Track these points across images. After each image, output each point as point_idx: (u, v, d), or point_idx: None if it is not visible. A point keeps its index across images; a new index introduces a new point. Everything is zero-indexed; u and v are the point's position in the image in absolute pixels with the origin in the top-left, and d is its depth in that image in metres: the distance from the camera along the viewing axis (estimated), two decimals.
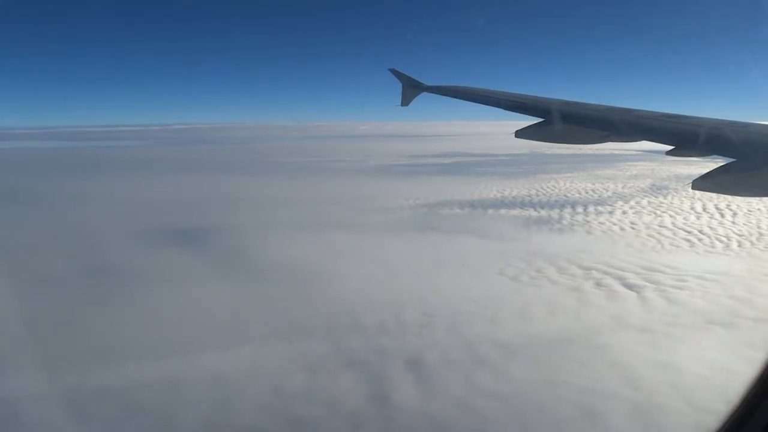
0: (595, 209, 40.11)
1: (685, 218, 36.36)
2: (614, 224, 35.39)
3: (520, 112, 8.07)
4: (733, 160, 5.26)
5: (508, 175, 62.20)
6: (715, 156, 5.65)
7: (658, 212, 38.72)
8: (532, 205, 43.13)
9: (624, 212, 39.02)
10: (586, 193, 48.54)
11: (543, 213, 39.97)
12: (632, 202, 42.70)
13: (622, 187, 51.11)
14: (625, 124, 6.78)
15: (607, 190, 49.39)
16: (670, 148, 6.08)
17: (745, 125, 5.68)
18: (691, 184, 5.56)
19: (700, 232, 32.65)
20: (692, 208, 39.05)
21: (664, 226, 34.38)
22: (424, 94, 10.41)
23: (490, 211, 41.45)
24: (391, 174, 67.23)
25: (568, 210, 40.34)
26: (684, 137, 5.94)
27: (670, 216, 37.26)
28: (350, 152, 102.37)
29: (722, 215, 36.38)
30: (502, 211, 40.97)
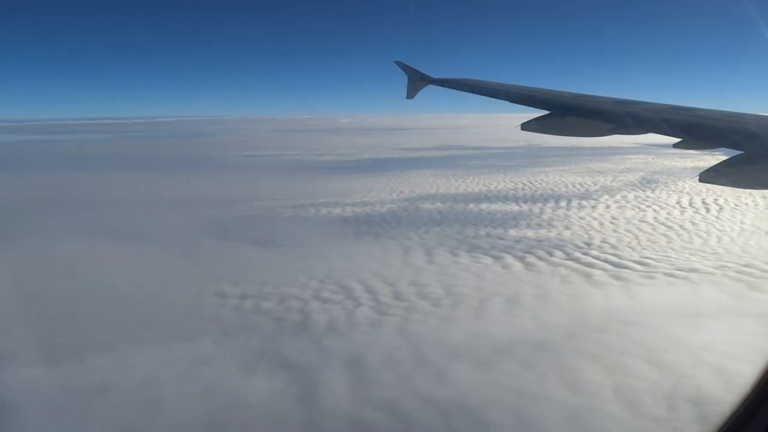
0: (578, 203, 39.98)
1: (668, 213, 36.42)
2: (594, 219, 35.11)
3: (526, 105, 8.17)
4: (741, 152, 5.38)
5: (498, 168, 62.10)
6: (722, 149, 5.76)
7: (642, 207, 38.71)
8: (508, 200, 43.19)
9: (607, 206, 38.90)
10: (573, 186, 48.56)
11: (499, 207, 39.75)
12: (618, 196, 42.78)
13: (611, 181, 51.23)
14: (632, 117, 6.85)
15: (595, 184, 49.48)
16: (676, 140, 6.21)
17: (754, 117, 5.78)
18: (698, 177, 5.67)
19: (681, 227, 32.50)
20: (678, 203, 39.35)
21: (645, 221, 34.14)
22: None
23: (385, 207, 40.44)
24: (312, 170, 64.80)
25: (546, 205, 40.37)
26: (691, 130, 6.03)
27: (654, 211, 37.18)
28: (312, 146, 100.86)
29: (707, 210, 36.57)
30: (437, 205, 40.19)
